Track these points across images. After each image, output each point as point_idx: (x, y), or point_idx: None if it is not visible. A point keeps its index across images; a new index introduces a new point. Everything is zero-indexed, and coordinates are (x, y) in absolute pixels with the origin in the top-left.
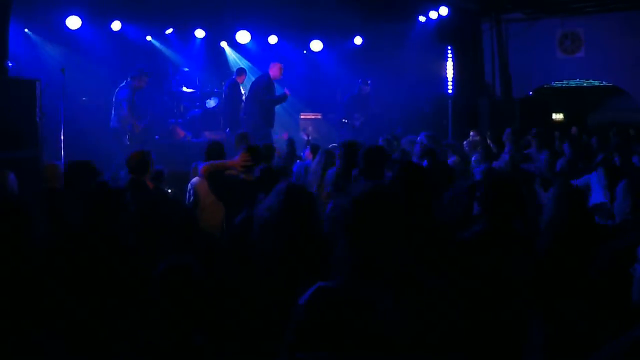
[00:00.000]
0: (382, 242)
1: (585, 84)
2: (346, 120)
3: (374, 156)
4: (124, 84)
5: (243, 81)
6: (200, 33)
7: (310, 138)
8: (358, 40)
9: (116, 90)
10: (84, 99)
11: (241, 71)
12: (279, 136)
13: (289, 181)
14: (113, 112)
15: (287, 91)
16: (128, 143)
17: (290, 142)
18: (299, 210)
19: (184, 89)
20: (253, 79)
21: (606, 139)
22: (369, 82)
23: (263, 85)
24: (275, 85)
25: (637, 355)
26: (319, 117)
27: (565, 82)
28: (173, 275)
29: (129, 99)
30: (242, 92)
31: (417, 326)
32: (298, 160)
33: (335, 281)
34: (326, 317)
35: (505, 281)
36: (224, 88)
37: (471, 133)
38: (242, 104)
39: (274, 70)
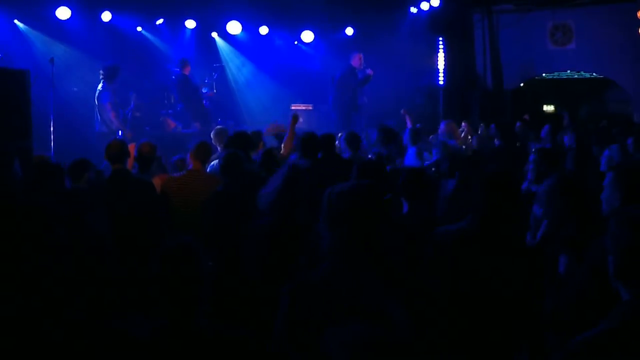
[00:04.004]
0: (360, 232)
1: (576, 76)
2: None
3: None
4: (102, 85)
5: (189, 72)
6: (191, 23)
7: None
8: (349, 31)
9: (97, 93)
10: (74, 89)
11: (185, 63)
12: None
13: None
14: (97, 115)
15: (370, 71)
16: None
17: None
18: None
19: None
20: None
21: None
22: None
23: (348, 74)
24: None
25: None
26: (310, 108)
27: (556, 73)
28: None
29: (112, 101)
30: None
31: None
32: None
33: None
34: (310, 306)
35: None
36: (174, 83)
37: (462, 124)
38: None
39: (355, 60)
